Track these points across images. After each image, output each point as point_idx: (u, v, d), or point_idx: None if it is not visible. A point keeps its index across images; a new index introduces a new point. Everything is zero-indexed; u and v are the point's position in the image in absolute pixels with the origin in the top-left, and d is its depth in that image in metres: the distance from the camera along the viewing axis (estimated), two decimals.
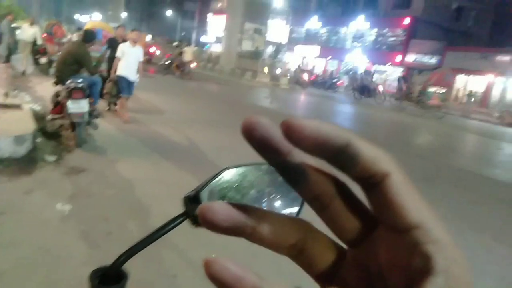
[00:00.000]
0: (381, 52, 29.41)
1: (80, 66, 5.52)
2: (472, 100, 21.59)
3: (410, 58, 27.15)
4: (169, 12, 50.33)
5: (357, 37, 31.47)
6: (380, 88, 20.59)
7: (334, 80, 26.98)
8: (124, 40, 7.20)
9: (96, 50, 7.63)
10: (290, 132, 0.18)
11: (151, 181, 4.22)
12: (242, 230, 0.20)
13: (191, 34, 47.49)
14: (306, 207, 0.23)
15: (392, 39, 28.93)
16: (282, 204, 0.49)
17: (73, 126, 4.93)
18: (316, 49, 34.52)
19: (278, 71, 24.70)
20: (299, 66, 27.29)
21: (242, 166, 0.50)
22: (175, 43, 20.57)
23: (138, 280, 2.38)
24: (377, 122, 13.59)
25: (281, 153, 0.20)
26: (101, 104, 6.88)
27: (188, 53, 17.14)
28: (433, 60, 26.29)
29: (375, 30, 30.03)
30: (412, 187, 0.19)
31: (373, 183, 0.19)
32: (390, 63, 28.36)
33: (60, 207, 3.26)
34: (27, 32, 11.43)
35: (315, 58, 34.68)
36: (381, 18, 29.76)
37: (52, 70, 8.49)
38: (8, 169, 3.86)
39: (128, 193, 3.79)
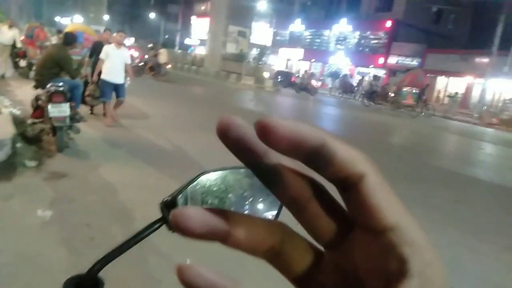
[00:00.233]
0: (364, 54, 29.81)
1: (61, 70, 5.43)
2: (453, 101, 22.04)
3: (392, 60, 27.58)
4: (152, 15, 49.96)
5: (340, 40, 31.84)
6: (392, 94, 20.33)
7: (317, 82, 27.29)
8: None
9: (77, 53, 7.51)
10: (264, 132, 0.18)
11: (134, 186, 4.17)
12: (217, 235, 0.20)
13: (175, 37, 47.23)
14: (285, 209, 0.23)
15: (374, 41, 29.36)
16: (262, 207, 0.49)
17: (54, 130, 4.83)
18: (300, 51, 34.76)
19: (267, 75, 24.68)
20: (306, 71, 26.27)
21: (220, 170, 0.50)
22: (149, 45, 20.46)
23: (122, 286, 2.35)
24: (357, 122, 13.74)
25: (256, 154, 0.19)
26: (84, 108, 6.78)
27: (163, 54, 17.25)
28: (414, 62, 26.77)
29: (358, 33, 30.42)
30: (388, 188, 0.19)
31: (349, 184, 0.18)
32: (372, 65, 28.76)
33: (41, 214, 3.19)
34: (5, 35, 11.19)
35: (299, 60, 34.92)
36: (363, 21, 30.18)
37: (32, 74, 8.33)
38: None
39: (110, 198, 3.73)
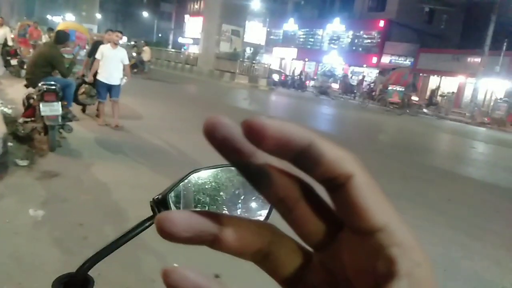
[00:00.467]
0: (357, 54, 29.92)
1: (53, 68, 5.38)
2: (449, 100, 22.15)
3: (386, 59, 27.71)
4: (145, 14, 49.72)
5: (334, 39, 31.92)
6: (378, 92, 20.29)
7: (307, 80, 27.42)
8: None
9: (69, 52, 7.44)
10: (251, 132, 0.17)
11: (127, 185, 4.15)
12: (203, 240, 0.20)
13: (168, 36, 47.07)
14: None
15: (367, 41, 29.47)
16: (254, 205, 0.49)
17: (46, 129, 4.79)
18: (293, 51, 34.79)
19: (276, 77, 24.34)
20: (324, 71, 25.56)
21: (212, 167, 0.50)
22: (131, 43, 20.31)
23: (115, 285, 2.34)
24: (348, 120, 13.80)
25: (243, 154, 0.19)
26: (76, 108, 6.72)
27: (147, 52, 17.29)
28: (407, 61, 26.93)
29: (351, 32, 30.52)
30: (376, 188, 0.19)
31: (337, 184, 0.18)
32: (366, 65, 28.88)
33: (33, 213, 3.16)
34: None
35: (292, 60, 34.95)
36: (357, 20, 30.29)
37: (24, 72, 8.24)
38: None
39: (103, 197, 3.71)
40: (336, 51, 31.00)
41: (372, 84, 21.14)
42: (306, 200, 0.20)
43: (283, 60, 35.83)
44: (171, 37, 46.25)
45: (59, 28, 9.20)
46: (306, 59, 33.92)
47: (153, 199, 0.47)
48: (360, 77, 26.95)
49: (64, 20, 33.81)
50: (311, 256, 0.21)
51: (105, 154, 5.18)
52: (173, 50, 34.19)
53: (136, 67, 16.88)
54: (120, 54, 6.52)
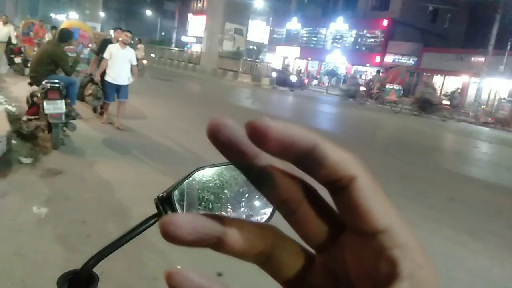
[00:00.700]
0: (360, 53, 29.88)
1: (56, 66, 5.40)
2: (456, 99, 21.98)
3: (389, 59, 27.65)
4: (148, 12, 49.76)
5: (337, 38, 31.88)
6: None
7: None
8: None
9: (73, 50, 7.44)
10: (255, 134, 0.17)
11: (131, 183, 4.16)
12: (207, 243, 0.20)
13: (171, 34, 47.08)
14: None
15: (371, 40, 29.43)
16: (258, 204, 0.49)
17: (50, 127, 4.81)
18: (296, 50, 34.75)
19: (294, 78, 23.71)
20: (351, 75, 23.41)
21: (216, 165, 0.50)
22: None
23: (118, 283, 2.35)
24: (349, 119, 13.78)
25: (247, 156, 0.19)
26: (85, 108, 6.74)
27: (141, 50, 17.30)
28: (410, 61, 26.86)
29: (354, 31, 30.48)
30: (379, 190, 0.19)
31: (340, 186, 0.18)
32: (369, 64, 28.82)
33: (36, 211, 3.17)
34: (0, 31, 11.11)
35: (295, 59, 34.92)
36: (360, 19, 30.24)
37: (28, 70, 8.27)
38: None
39: (107, 195, 3.73)
40: (339, 50, 30.96)
41: (370, 83, 21.01)
42: (308, 202, 0.20)
43: (286, 59, 35.78)
44: (174, 35, 46.25)
45: (62, 26, 9.20)
46: (309, 58, 33.89)
47: (157, 196, 0.47)
48: (366, 79, 25.90)
49: (67, 18, 33.90)
50: (314, 257, 0.22)
51: (108, 153, 5.19)
52: (176, 48, 34.21)
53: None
54: (129, 54, 6.40)
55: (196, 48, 34.34)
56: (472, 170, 7.83)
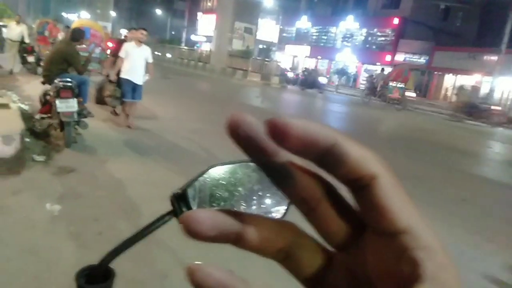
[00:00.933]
0: (370, 51, 29.68)
1: (69, 65, 5.46)
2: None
3: (400, 57, 27.42)
4: (158, 11, 50.05)
5: (347, 37, 31.71)
6: (379, 88, 19.74)
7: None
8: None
9: (84, 50, 7.50)
10: (275, 131, 0.17)
11: (142, 181, 4.20)
12: (227, 238, 0.20)
13: (181, 33, 47.30)
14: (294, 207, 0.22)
15: (381, 39, 29.22)
16: (271, 202, 0.50)
17: (62, 125, 4.88)
18: (306, 49, 34.66)
19: (324, 80, 23.09)
20: (382, 70, 21.63)
21: (230, 163, 0.51)
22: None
23: (129, 280, 2.38)
24: (357, 118, 13.69)
25: (267, 153, 0.18)
26: (101, 110, 6.80)
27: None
28: (422, 59, 26.60)
29: (365, 30, 30.30)
30: (401, 190, 0.18)
31: (361, 185, 0.18)
32: (379, 63, 28.61)
33: (49, 208, 3.22)
34: (14, 30, 11.29)
35: (305, 57, 34.83)
36: (370, 18, 30.02)
37: (40, 69, 8.38)
38: None
39: (118, 193, 3.76)
40: (349, 48, 30.80)
41: (374, 81, 20.87)
42: (328, 200, 0.20)
43: (295, 57, 35.71)
44: (184, 34, 46.49)
45: (74, 26, 9.31)
46: (319, 57, 33.77)
47: (173, 193, 0.48)
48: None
49: (79, 17, 34.26)
50: (333, 256, 0.21)
51: (119, 151, 5.24)
52: (186, 47, 34.39)
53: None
54: (145, 52, 6.37)
55: (206, 47, 34.47)
56: (485, 170, 7.74)
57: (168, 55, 29.49)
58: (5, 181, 3.66)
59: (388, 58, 27.98)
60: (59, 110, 4.71)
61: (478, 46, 24.70)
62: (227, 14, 25.91)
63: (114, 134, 6.02)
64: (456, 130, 14.12)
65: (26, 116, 5.50)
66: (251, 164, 0.51)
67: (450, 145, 10.03)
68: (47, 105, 5.19)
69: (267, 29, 37.44)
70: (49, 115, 5.14)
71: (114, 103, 7.04)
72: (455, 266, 0.18)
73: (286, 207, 0.49)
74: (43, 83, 5.50)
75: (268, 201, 0.51)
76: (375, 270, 0.19)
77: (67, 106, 4.74)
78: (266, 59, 26.13)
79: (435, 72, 26.34)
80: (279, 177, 0.19)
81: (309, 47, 34.47)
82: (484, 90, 21.80)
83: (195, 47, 35.41)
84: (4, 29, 11.81)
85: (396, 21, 27.68)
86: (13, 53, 11.13)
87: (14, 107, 5.60)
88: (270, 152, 0.18)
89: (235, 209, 0.51)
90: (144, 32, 6.34)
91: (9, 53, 11.20)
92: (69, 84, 4.84)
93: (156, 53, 28.00)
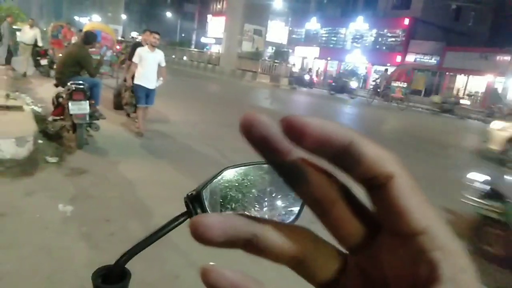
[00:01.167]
0: (380, 52, 29.45)
1: (81, 68, 5.53)
2: (473, 100, 21.54)
3: (410, 58, 27.17)
4: (169, 14, 50.40)
5: (357, 38, 31.52)
6: (382, 88, 19.81)
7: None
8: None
9: (96, 53, 7.58)
10: (291, 130, 0.17)
11: (153, 182, 4.23)
12: (238, 244, 0.19)
13: (191, 36, 47.56)
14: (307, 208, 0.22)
15: (391, 39, 28.97)
16: (284, 204, 0.50)
17: (74, 127, 4.94)
18: (315, 50, 34.56)
19: (355, 84, 22.92)
20: (385, 70, 21.44)
21: (243, 165, 0.52)
22: (122, 39, 20.05)
23: (140, 281, 2.40)
24: (362, 117, 13.60)
25: (280, 152, 0.18)
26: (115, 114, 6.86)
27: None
28: (433, 60, 26.33)
29: (375, 30, 30.07)
30: (419, 190, 0.18)
31: (377, 185, 0.18)
32: (389, 64, 28.40)
33: (62, 209, 3.27)
34: (27, 34, 11.46)
35: (315, 59, 34.73)
36: (381, 18, 29.80)
37: (53, 72, 8.49)
38: (10, 170, 3.87)
39: (130, 194, 3.80)
40: (359, 50, 30.60)
41: (377, 81, 20.78)
42: (343, 202, 0.19)
43: (305, 59, 35.63)
44: (194, 37, 46.72)
45: (85, 29, 9.43)
46: (329, 58, 33.63)
47: (187, 195, 0.48)
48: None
49: (90, 21, 34.66)
50: (347, 258, 0.21)
51: (131, 152, 5.29)
52: (195, 50, 34.53)
53: (122, 63, 16.64)
54: (158, 56, 6.25)
55: (215, 49, 34.59)
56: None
57: (184, 58, 29.74)
58: (19, 182, 3.72)
59: (398, 59, 27.73)
60: (71, 112, 4.78)
61: (490, 46, 24.34)
62: (237, 16, 25.98)
63: (126, 136, 6.07)
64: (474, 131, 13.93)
65: (39, 118, 5.58)
66: (264, 165, 0.52)
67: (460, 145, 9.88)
68: (59, 107, 5.26)
69: (277, 31, 37.44)
70: (61, 117, 5.21)
71: (129, 110, 7.03)
72: (474, 269, 0.17)
73: (299, 209, 0.50)
74: (56, 85, 5.58)
75: (281, 202, 0.52)
76: (391, 272, 0.19)
77: (79, 108, 4.80)
78: (279, 61, 26.03)
79: (446, 73, 26.04)
80: (293, 177, 0.19)
81: (318, 49, 34.35)
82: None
83: (205, 49, 35.57)
84: (18, 33, 11.98)
85: (406, 21, 27.42)
86: (27, 56, 11.30)
87: (28, 109, 5.69)
88: (284, 151, 0.18)
89: (248, 210, 0.51)
90: (157, 36, 6.24)
91: (23, 56, 11.38)
92: (82, 86, 4.90)
93: (173, 56, 28.26)
